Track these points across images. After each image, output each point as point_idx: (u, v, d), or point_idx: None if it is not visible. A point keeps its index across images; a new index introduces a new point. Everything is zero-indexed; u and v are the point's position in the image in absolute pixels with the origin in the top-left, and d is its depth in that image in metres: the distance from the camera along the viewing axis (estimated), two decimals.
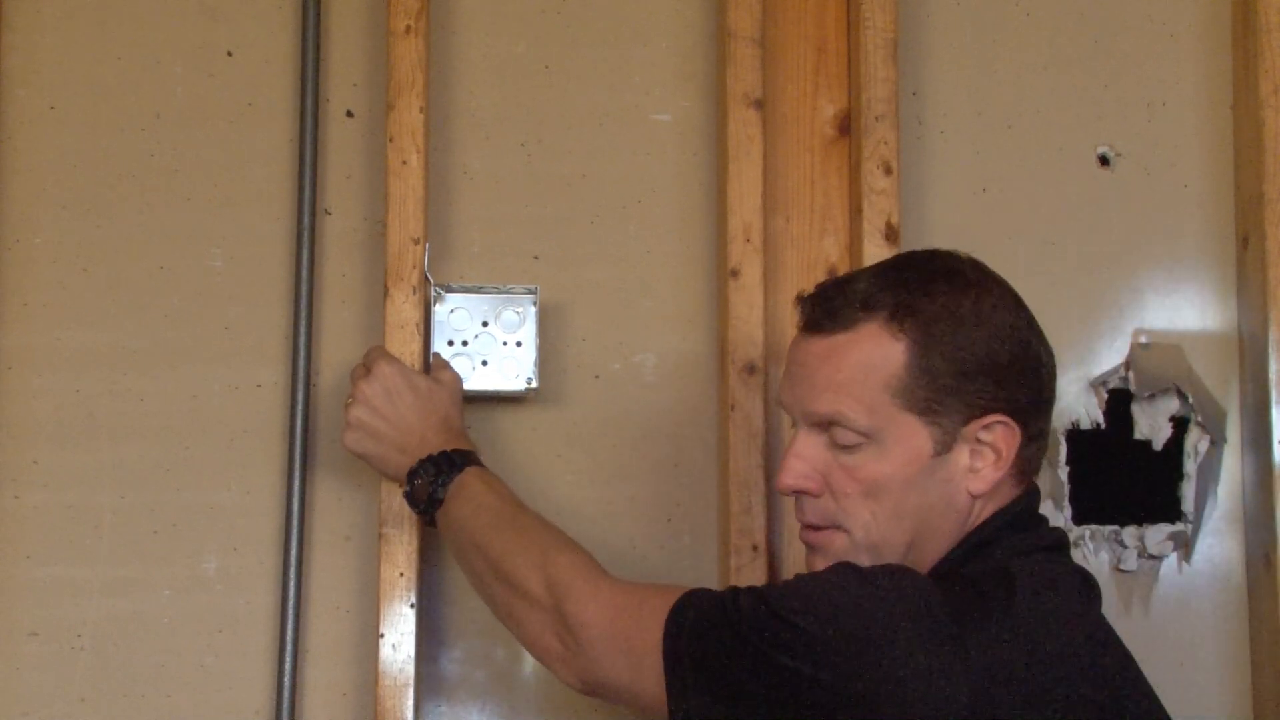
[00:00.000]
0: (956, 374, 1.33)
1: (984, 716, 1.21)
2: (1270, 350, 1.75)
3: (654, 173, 1.82)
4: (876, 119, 1.76)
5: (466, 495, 1.54)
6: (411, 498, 1.58)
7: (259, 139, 1.78)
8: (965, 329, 1.33)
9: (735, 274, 1.74)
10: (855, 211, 1.78)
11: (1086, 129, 1.85)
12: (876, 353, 1.34)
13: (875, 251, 1.74)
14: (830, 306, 1.38)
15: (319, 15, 1.78)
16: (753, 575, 1.69)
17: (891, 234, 1.75)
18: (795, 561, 1.74)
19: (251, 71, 1.79)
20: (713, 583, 1.75)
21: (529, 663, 1.74)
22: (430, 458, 1.57)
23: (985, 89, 1.85)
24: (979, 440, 1.34)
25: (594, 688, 1.40)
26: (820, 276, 1.80)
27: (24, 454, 1.72)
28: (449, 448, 1.57)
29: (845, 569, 1.31)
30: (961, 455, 1.34)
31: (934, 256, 1.41)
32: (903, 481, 1.35)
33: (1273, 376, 1.75)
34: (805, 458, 1.38)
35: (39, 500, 1.71)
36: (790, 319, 1.79)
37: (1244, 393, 1.80)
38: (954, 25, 1.86)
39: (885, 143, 1.76)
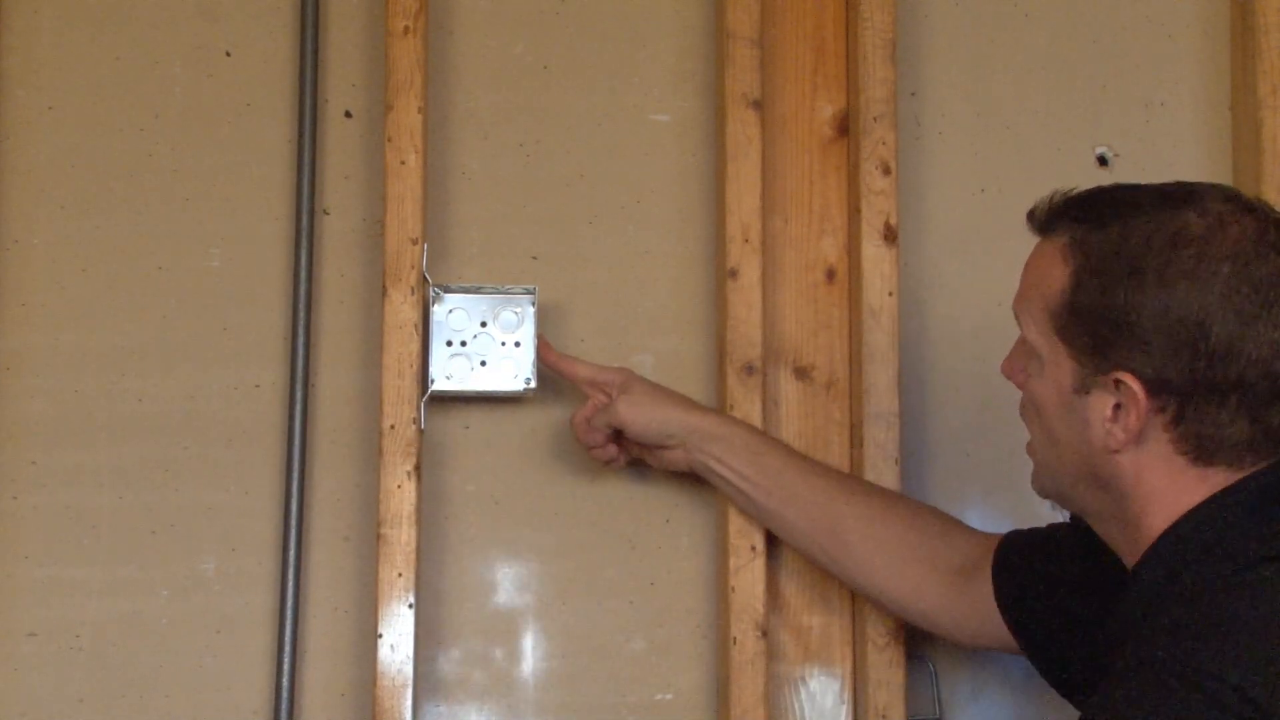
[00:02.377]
0: (1104, 319, 1.26)
1: None
2: None
3: (653, 173, 1.82)
4: (875, 119, 1.76)
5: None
6: None
7: (257, 139, 1.78)
8: (1130, 281, 1.24)
9: (734, 274, 1.74)
10: (854, 212, 1.78)
11: (1085, 129, 1.85)
12: (1050, 272, 1.31)
13: (874, 252, 1.74)
14: (1050, 210, 1.33)
15: (317, 15, 1.77)
16: (751, 576, 1.69)
17: (890, 234, 1.75)
18: (794, 563, 1.74)
19: (250, 72, 1.78)
20: (710, 583, 1.75)
21: (527, 664, 1.74)
22: None
23: (984, 89, 1.85)
24: (1117, 393, 1.27)
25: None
26: (819, 277, 1.80)
27: (22, 454, 1.72)
28: None
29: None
30: (1101, 403, 1.28)
31: (1170, 200, 1.28)
32: (1053, 406, 1.31)
33: None
34: (1012, 354, 1.38)
35: (37, 501, 1.71)
36: (789, 318, 1.80)
37: None
38: (953, 26, 1.86)
39: (884, 143, 1.76)
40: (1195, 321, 1.23)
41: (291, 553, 1.71)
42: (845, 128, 1.81)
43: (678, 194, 1.82)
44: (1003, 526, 1.59)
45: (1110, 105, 1.86)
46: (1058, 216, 1.32)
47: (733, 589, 1.69)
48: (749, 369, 1.73)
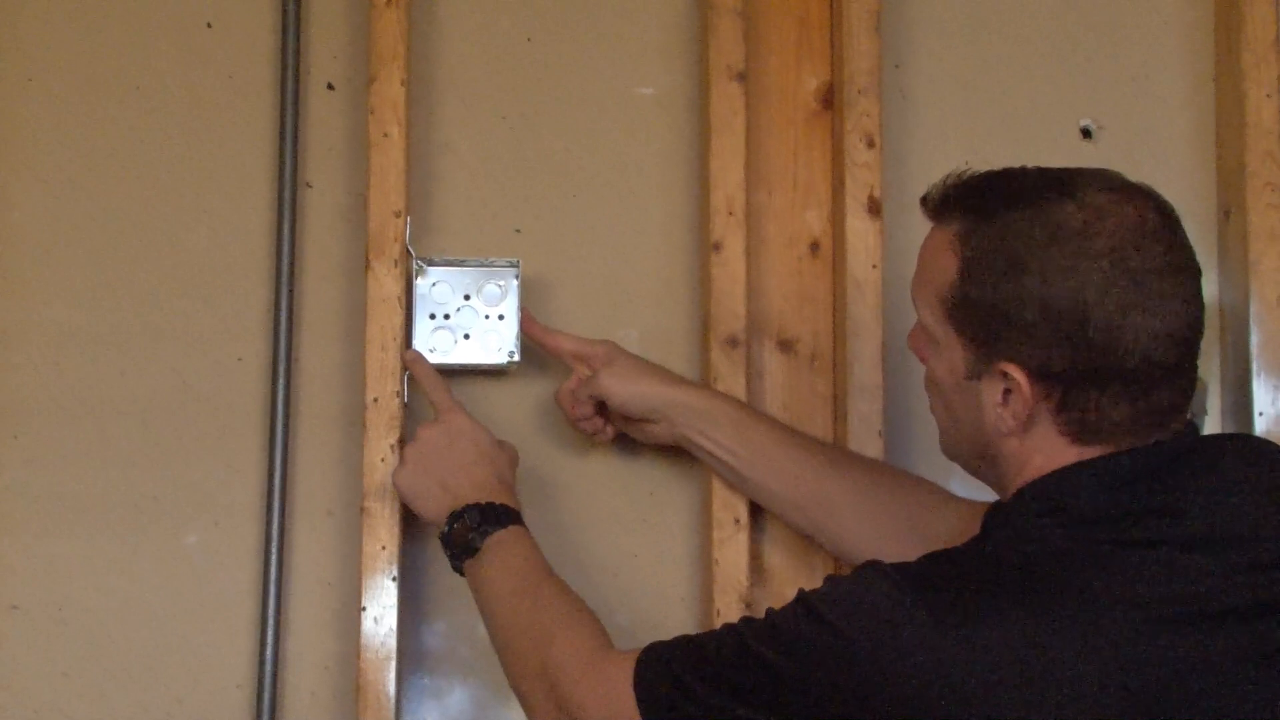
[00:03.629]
0: (990, 312, 1.29)
1: None
2: (1251, 323, 1.75)
3: (637, 146, 1.81)
4: (859, 92, 1.76)
5: (501, 554, 1.53)
6: (448, 539, 1.57)
7: (240, 112, 1.77)
8: (1012, 275, 1.28)
9: (718, 247, 1.74)
10: (838, 184, 1.78)
11: (1069, 102, 1.85)
12: (940, 262, 1.34)
13: (858, 225, 1.74)
14: (941, 198, 1.36)
15: None
16: (735, 548, 1.69)
17: (874, 207, 1.74)
18: (777, 535, 1.74)
19: (232, 44, 1.78)
20: (694, 556, 1.75)
21: None
22: (478, 505, 1.56)
23: (968, 61, 1.85)
24: (1005, 381, 1.30)
25: None
26: (803, 250, 1.80)
27: (5, 430, 1.71)
28: (499, 501, 1.57)
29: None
30: (992, 389, 1.31)
31: (1053, 190, 1.30)
32: (950, 387, 1.36)
33: (1253, 349, 1.75)
34: (915, 330, 1.41)
35: (20, 475, 1.71)
36: (773, 291, 1.80)
37: (1225, 365, 1.80)
38: None
39: (868, 115, 1.75)
40: (1075, 313, 1.26)
41: (275, 527, 1.71)
42: (830, 100, 1.81)
43: (662, 167, 1.81)
44: (987, 496, 1.59)
45: (1094, 78, 1.86)
46: (949, 205, 1.35)
47: (716, 561, 1.69)
48: (733, 342, 1.73)
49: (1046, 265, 1.27)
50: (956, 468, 1.70)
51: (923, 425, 1.77)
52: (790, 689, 1.26)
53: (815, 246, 1.80)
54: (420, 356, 1.68)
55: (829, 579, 1.33)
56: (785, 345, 1.79)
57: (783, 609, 1.31)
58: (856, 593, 1.27)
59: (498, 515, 1.55)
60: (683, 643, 1.37)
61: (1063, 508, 1.28)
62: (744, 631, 1.32)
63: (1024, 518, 1.30)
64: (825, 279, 1.80)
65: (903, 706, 1.20)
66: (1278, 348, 1.75)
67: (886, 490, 1.64)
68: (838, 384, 1.76)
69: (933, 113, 1.84)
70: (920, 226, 1.80)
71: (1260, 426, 1.74)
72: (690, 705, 1.31)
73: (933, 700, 1.19)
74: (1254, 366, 1.75)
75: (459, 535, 1.55)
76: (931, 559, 1.30)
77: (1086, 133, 1.85)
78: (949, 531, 1.59)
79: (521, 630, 1.48)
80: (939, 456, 1.68)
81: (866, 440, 1.71)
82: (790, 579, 1.75)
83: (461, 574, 1.57)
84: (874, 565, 1.29)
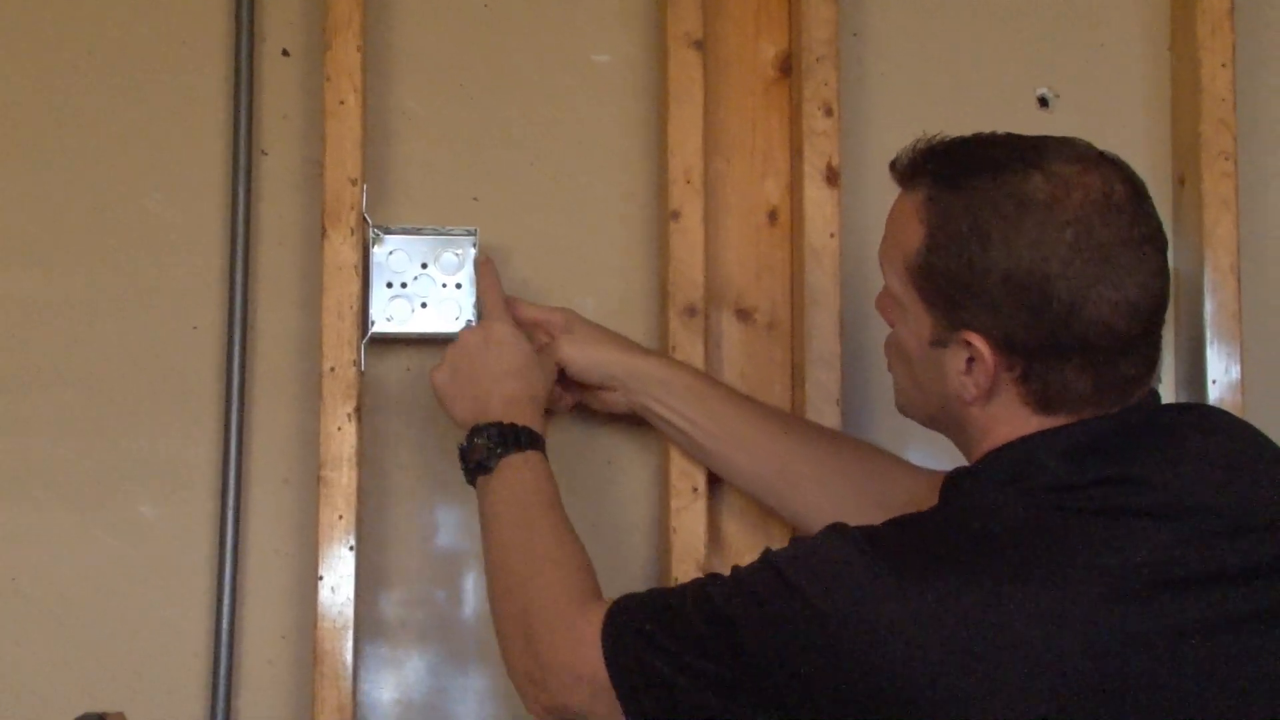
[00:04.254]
0: (954, 281, 1.30)
1: None
2: (1204, 290, 1.76)
3: (595, 114, 1.81)
4: (817, 60, 1.75)
5: (510, 477, 1.52)
6: (465, 454, 1.56)
7: (194, 78, 1.76)
8: (977, 245, 1.28)
9: (676, 216, 1.73)
10: (796, 153, 1.77)
11: (1026, 71, 1.85)
12: (908, 228, 1.34)
13: (816, 193, 1.74)
14: (911, 163, 1.36)
15: None
16: (693, 517, 1.70)
17: (832, 175, 1.74)
18: (735, 504, 1.75)
19: (186, 9, 1.76)
20: (652, 525, 1.76)
21: (469, 605, 1.74)
22: (499, 424, 1.54)
23: (926, 30, 1.85)
24: (969, 350, 1.30)
25: (556, 714, 1.40)
26: (761, 219, 1.80)
27: None
28: (521, 423, 1.55)
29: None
30: (956, 358, 1.31)
31: (1020, 160, 1.30)
32: (915, 352, 1.36)
33: (1207, 317, 1.76)
34: (883, 294, 1.40)
35: None
36: (731, 260, 1.80)
37: (1179, 334, 1.81)
38: None
39: (826, 84, 1.75)
40: (1039, 285, 1.26)
41: (231, 496, 1.70)
42: (788, 68, 1.81)
43: (620, 135, 1.81)
44: (944, 465, 1.60)
45: (1052, 47, 1.86)
46: (918, 171, 1.35)
47: (674, 530, 1.70)
48: (691, 311, 1.73)
49: (1011, 237, 1.27)
50: (913, 437, 1.72)
51: (880, 393, 1.78)
52: (753, 648, 1.27)
53: (773, 215, 1.80)
54: (490, 261, 1.68)
55: (794, 540, 1.34)
56: (743, 314, 1.79)
57: (749, 567, 1.32)
58: (821, 554, 1.27)
59: (517, 437, 1.54)
60: (652, 597, 1.38)
61: (1025, 476, 1.29)
62: (711, 590, 1.32)
63: (987, 486, 1.31)
64: (783, 248, 1.80)
65: (866, 668, 1.21)
66: (1231, 315, 1.76)
67: (844, 459, 1.65)
68: (795, 352, 1.77)
69: (891, 82, 1.84)
70: (878, 195, 1.80)
71: (1213, 394, 1.75)
72: (655, 658, 1.31)
73: (896, 662, 1.19)
74: (1207, 334, 1.76)
75: (476, 452, 1.54)
76: (895, 523, 1.31)
77: (1043, 101, 1.86)
78: (907, 501, 1.59)
79: (509, 566, 1.47)
80: (897, 424, 1.69)
81: (824, 408, 1.72)
82: (748, 547, 1.75)
83: (473, 485, 1.56)
84: (838, 528, 1.30)
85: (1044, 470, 1.28)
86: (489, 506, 1.52)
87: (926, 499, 1.56)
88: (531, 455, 1.54)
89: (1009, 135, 1.34)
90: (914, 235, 1.32)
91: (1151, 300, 1.29)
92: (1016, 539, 1.24)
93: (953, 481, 1.51)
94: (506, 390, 1.58)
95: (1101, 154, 1.32)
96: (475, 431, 1.55)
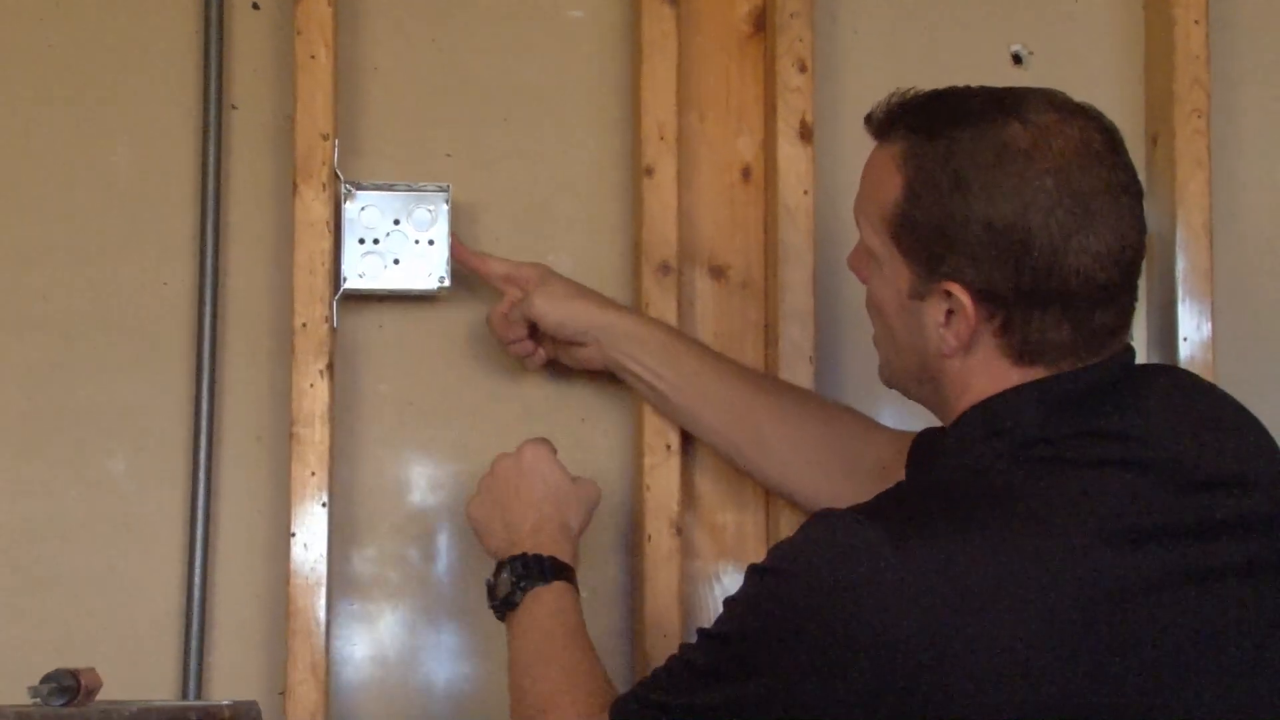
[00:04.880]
0: (934, 232, 1.29)
1: None
2: (1176, 248, 1.77)
3: (568, 70, 1.80)
4: (791, 16, 1.75)
5: (535, 610, 1.50)
6: (492, 589, 1.54)
7: (163, 32, 1.74)
8: (957, 195, 1.27)
9: (649, 173, 1.73)
10: (770, 110, 1.77)
11: (1001, 27, 1.85)
12: (885, 181, 1.33)
13: (790, 150, 1.74)
14: (886, 115, 1.35)
15: None
16: (666, 474, 1.70)
17: (806, 132, 1.74)
18: (708, 462, 1.75)
19: None
20: (626, 482, 1.76)
21: (442, 562, 1.74)
22: (524, 556, 1.52)
23: None
24: (949, 301, 1.30)
25: None
26: (735, 177, 1.79)
27: None
28: (548, 553, 1.53)
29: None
30: (935, 310, 1.30)
31: (998, 110, 1.29)
32: (892, 307, 1.35)
33: (1179, 274, 1.77)
34: (856, 250, 1.40)
35: None
36: (705, 218, 1.79)
37: (1150, 291, 1.82)
38: None
39: (800, 40, 1.75)
40: (1019, 234, 1.26)
41: (203, 452, 1.69)
42: (762, 24, 1.80)
43: (593, 91, 1.80)
44: (915, 425, 1.60)
45: (1026, 3, 1.86)
46: (894, 123, 1.34)
47: (647, 487, 1.70)
48: (664, 268, 1.73)
49: (991, 185, 1.26)
50: (885, 398, 1.72)
51: (853, 352, 1.78)
52: (758, 651, 1.24)
53: (747, 172, 1.80)
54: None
55: (773, 546, 1.32)
56: (717, 271, 1.79)
57: (737, 591, 1.30)
58: (806, 536, 1.25)
59: (543, 569, 1.52)
60: (647, 676, 1.36)
61: (1007, 429, 1.29)
62: (700, 632, 1.31)
63: (969, 441, 1.31)
64: (757, 205, 1.79)
65: (863, 627, 1.19)
66: (1203, 273, 1.77)
67: (815, 418, 1.65)
68: (769, 310, 1.77)
69: (865, 38, 1.84)
70: (853, 152, 1.79)
71: (1184, 352, 1.76)
72: (669, 717, 1.30)
73: (892, 618, 1.18)
74: (1179, 292, 1.77)
75: (501, 587, 1.53)
76: (879, 496, 1.29)
77: (1017, 58, 1.86)
78: (876, 460, 1.60)
79: (526, 695, 1.46)
80: (870, 383, 1.69)
81: (797, 366, 1.72)
82: (720, 504, 1.76)
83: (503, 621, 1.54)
84: (822, 511, 1.28)
85: (1027, 423, 1.28)
86: (513, 640, 1.51)
87: (895, 458, 1.56)
88: (557, 585, 1.51)
89: (984, 87, 1.34)
90: (891, 187, 1.32)
91: (1130, 249, 1.29)
92: (1003, 491, 1.24)
93: (928, 440, 1.51)
94: (535, 519, 1.56)
95: (1079, 104, 1.32)
96: (501, 566, 1.54)
